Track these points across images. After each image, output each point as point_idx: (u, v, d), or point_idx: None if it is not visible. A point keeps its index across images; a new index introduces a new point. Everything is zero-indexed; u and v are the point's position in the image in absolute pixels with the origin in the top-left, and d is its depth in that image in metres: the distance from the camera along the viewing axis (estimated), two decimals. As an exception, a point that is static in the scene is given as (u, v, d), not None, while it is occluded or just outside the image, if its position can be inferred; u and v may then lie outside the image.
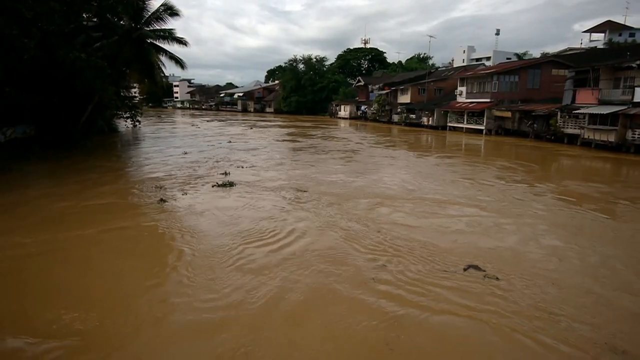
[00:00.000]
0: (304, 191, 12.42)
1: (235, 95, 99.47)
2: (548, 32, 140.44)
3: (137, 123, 30.16)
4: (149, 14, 23.66)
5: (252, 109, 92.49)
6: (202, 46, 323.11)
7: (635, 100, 22.94)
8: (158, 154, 21.47)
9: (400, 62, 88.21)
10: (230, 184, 13.21)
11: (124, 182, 14.46)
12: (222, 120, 57.34)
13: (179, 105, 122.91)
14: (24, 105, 17.32)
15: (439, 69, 63.52)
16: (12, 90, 16.05)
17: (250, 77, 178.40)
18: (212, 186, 12.99)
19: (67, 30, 18.60)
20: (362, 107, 60.34)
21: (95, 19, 22.31)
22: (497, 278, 6.40)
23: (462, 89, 39.22)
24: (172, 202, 11.05)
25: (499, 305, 5.63)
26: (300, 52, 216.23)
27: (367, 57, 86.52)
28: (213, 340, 4.85)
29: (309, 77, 73.04)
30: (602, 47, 51.31)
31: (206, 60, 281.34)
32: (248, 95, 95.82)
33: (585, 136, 24.97)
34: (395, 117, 49.05)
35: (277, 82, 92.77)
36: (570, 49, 56.10)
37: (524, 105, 32.49)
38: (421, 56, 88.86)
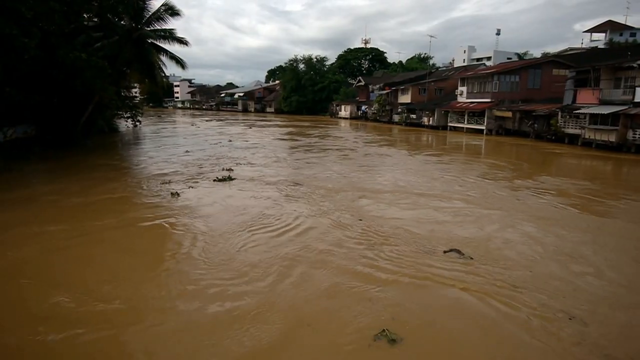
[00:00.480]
0: (300, 185, 13.43)
1: (236, 95, 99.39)
2: (549, 32, 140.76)
3: (137, 123, 30.20)
4: (150, 14, 23.66)
5: (252, 109, 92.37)
6: (203, 46, 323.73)
7: (636, 100, 22.92)
8: (160, 152, 21.62)
9: (400, 62, 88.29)
10: (232, 179, 14.07)
11: (130, 179, 14.82)
12: (222, 120, 57.43)
13: (179, 105, 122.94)
14: (24, 105, 17.32)
15: (440, 69, 63.50)
16: (12, 90, 16.05)
17: (250, 77, 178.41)
18: (213, 180, 13.88)
19: (67, 30, 18.59)
20: (363, 107, 60.26)
21: (95, 19, 22.27)
22: (471, 258, 7.35)
23: (463, 89, 39.20)
24: (184, 195, 11.86)
25: (473, 277, 6.54)
26: (300, 52, 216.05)
27: (368, 57, 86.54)
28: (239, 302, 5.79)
29: (309, 77, 72.85)
30: (602, 47, 51.26)
31: (206, 60, 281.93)
32: (248, 95, 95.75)
33: (586, 136, 24.95)
34: (396, 117, 49.05)
35: (277, 82, 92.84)
36: (571, 49, 56.02)
37: (524, 105, 32.46)
38: (422, 56, 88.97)
